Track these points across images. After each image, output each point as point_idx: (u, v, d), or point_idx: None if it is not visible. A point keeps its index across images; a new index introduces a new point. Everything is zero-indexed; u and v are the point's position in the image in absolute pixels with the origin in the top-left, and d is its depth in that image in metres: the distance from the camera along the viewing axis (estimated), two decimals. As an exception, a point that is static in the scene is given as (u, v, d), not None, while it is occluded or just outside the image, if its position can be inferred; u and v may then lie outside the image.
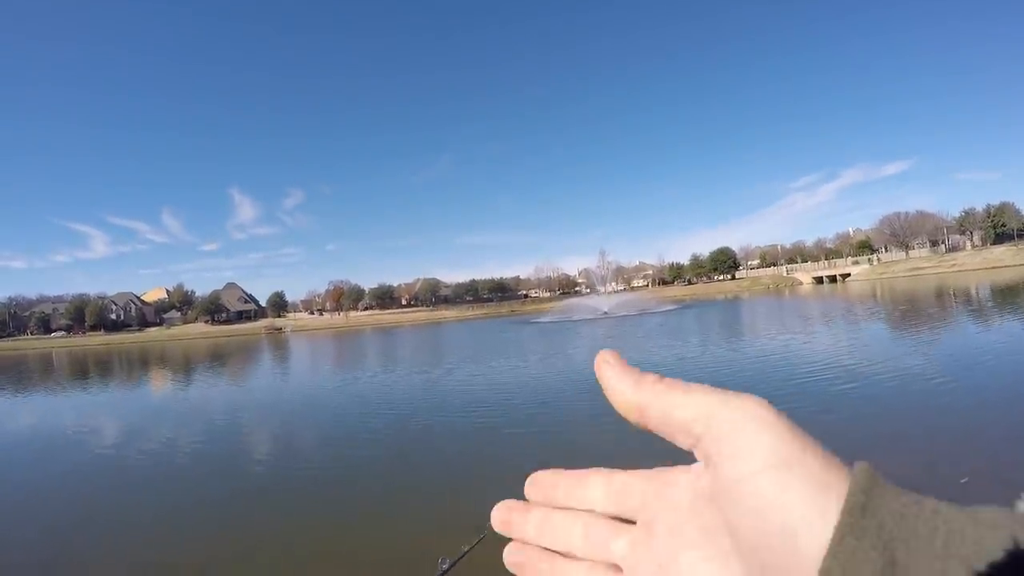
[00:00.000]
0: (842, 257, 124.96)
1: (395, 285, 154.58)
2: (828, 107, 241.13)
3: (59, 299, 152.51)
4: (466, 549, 3.62)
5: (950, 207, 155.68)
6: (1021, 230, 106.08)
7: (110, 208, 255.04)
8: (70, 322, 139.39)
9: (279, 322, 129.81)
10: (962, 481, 6.85)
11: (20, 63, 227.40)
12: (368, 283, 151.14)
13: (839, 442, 6.33)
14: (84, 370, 46.70)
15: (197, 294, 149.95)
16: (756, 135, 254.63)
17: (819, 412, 10.95)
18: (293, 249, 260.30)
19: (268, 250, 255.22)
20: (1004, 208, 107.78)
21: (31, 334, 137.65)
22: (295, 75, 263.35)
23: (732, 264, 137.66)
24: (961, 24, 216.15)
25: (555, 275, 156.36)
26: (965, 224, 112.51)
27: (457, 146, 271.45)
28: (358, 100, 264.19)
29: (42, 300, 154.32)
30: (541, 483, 0.54)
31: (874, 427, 9.51)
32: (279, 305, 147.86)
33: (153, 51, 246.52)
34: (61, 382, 36.85)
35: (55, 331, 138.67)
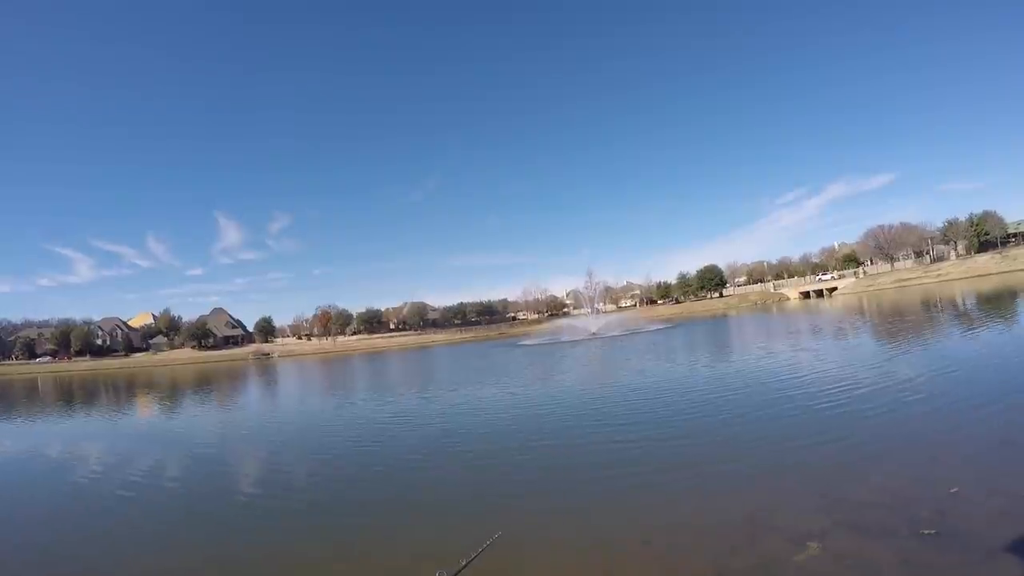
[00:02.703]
0: (828, 271, 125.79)
1: (383, 309, 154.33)
2: (812, 123, 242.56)
3: (44, 324, 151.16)
4: (464, 564, 3.57)
5: (934, 218, 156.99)
6: (1004, 238, 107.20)
7: (94, 232, 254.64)
8: (56, 347, 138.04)
9: (267, 347, 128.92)
10: (951, 491, 6.80)
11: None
12: (356, 307, 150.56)
13: (830, 455, 6.31)
14: (70, 396, 46.04)
15: (184, 319, 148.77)
16: (741, 153, 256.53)
17: (809, 425, 10.92)
18: (279, 273, 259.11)
19: (254, 275, 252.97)
20: (987, 217, 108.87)
21: (16, 359, 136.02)
22: (280, 97, 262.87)
23: (719, 282, 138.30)
24: (942, 37, 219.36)
25: (543, 296, 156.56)
26: (949, 234, 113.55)
27: (444, 168, 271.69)
28: (344, 122, 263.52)
29: (27, 325, 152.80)
30: None
31: (865, 441, 9.45)
32: (267, 330, 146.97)
33: (134, 72, 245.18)
34: (46, 408, 36.29)
35: (40, 356, 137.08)
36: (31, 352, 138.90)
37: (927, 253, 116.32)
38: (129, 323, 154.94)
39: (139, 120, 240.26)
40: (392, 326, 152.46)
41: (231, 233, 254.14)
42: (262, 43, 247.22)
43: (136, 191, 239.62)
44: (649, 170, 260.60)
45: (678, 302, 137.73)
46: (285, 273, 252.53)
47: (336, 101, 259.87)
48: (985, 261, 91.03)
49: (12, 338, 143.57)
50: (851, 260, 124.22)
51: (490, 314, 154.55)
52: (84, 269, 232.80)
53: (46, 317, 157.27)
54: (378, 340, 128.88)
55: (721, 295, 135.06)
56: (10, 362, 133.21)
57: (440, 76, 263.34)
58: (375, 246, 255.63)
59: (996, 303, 37.54)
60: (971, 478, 7.18)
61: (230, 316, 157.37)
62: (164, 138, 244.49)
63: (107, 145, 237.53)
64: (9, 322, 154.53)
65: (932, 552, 5.47)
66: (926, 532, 5.86)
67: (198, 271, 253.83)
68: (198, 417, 25.82)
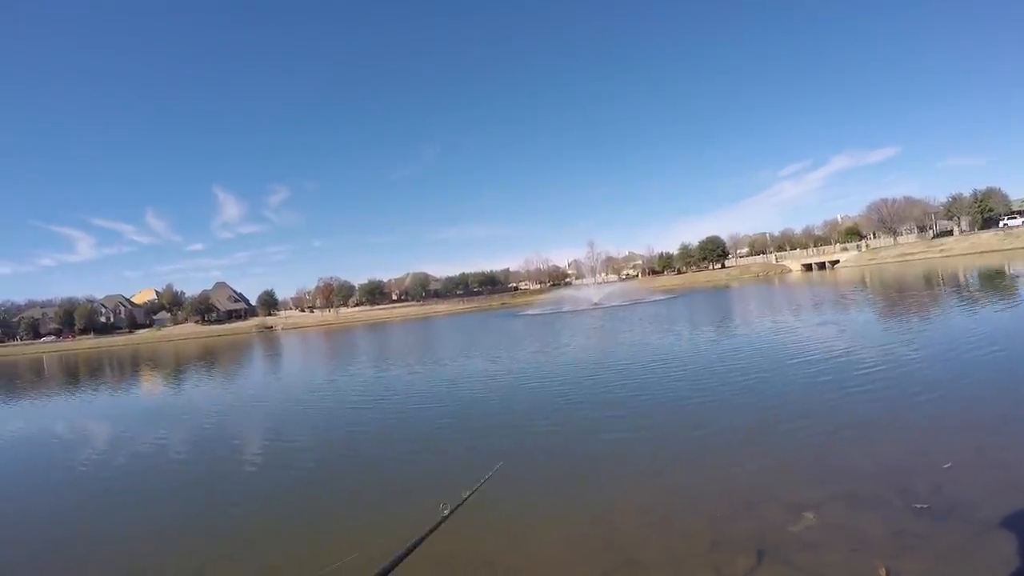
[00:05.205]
0: (830, 244, 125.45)
1: (385, 281, 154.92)
2: (815, 95, 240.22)
3: (48, 303, 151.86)
4: (466, 496, 3.69)
5: (937, 193, 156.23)
6: (1009, 215, 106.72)
7: (93, 210, 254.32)
8: (60, 326, 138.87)
9: (270, 320, 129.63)
10: (945, 467, 6.92)
11: None
12: (358, 279, 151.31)
13: (829, 429, 6.42)
14: (75, 375, 46.41)
15: (187, 294, 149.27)
16: (744, 124, 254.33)
17: (809, 399, 11.04)
18: (280, 247, 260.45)
19: (255, 248, 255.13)
20: (991, 193, 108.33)
21: (21, 340, 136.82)
22: (275, 69, 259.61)
23: (721, 253, 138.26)
24: (946, 11, 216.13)
25: (545, 267, 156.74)
26: (952, 210, 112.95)
27: (442, 138, 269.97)
28: (341, 93, 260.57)
29: (31, 305, 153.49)
30: None
31: (862, 415, 9.56)
32: (269, 303, 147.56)
33: (129, 48, 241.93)
34: (51, 388, 36.60)
35: (45, 336, 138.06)
36: (35, 332, 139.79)
37: (930, 228, 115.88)
38: (132, 300, 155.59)
39: (135, 94, 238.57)
40: (394, 297, 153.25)
41: (231, 207, 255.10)
42: (258, 14, 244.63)
43: (134, 167, 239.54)
44: (651, 141, 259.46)
45: (680, 273, 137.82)
46: (286, 246, 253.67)
47: (332, 71, 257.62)
48: (989, 237, 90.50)
49: (16, 319, 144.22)
50: (854, 233, 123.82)
51: (492, 284, 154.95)
52: (85, 247, 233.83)
53: (49, 297, 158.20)
54: (380, 311, 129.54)
55: (723, 266, 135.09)
56: (15, 343, 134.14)
57: (438, 46, 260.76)
58: (375, 218, 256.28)
59: (1000, 280, 37.47)
60: (966, 453, 7.30)
61: (232, 290, 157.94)
62: (159, 113, 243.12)
63: (103, 121, 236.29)
64: (13, 303, 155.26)
65: (924, 525, 5.61)
66: (919, 506, 5.99)
67: (199, 246, 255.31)
68: (203, 391, 26.06)
